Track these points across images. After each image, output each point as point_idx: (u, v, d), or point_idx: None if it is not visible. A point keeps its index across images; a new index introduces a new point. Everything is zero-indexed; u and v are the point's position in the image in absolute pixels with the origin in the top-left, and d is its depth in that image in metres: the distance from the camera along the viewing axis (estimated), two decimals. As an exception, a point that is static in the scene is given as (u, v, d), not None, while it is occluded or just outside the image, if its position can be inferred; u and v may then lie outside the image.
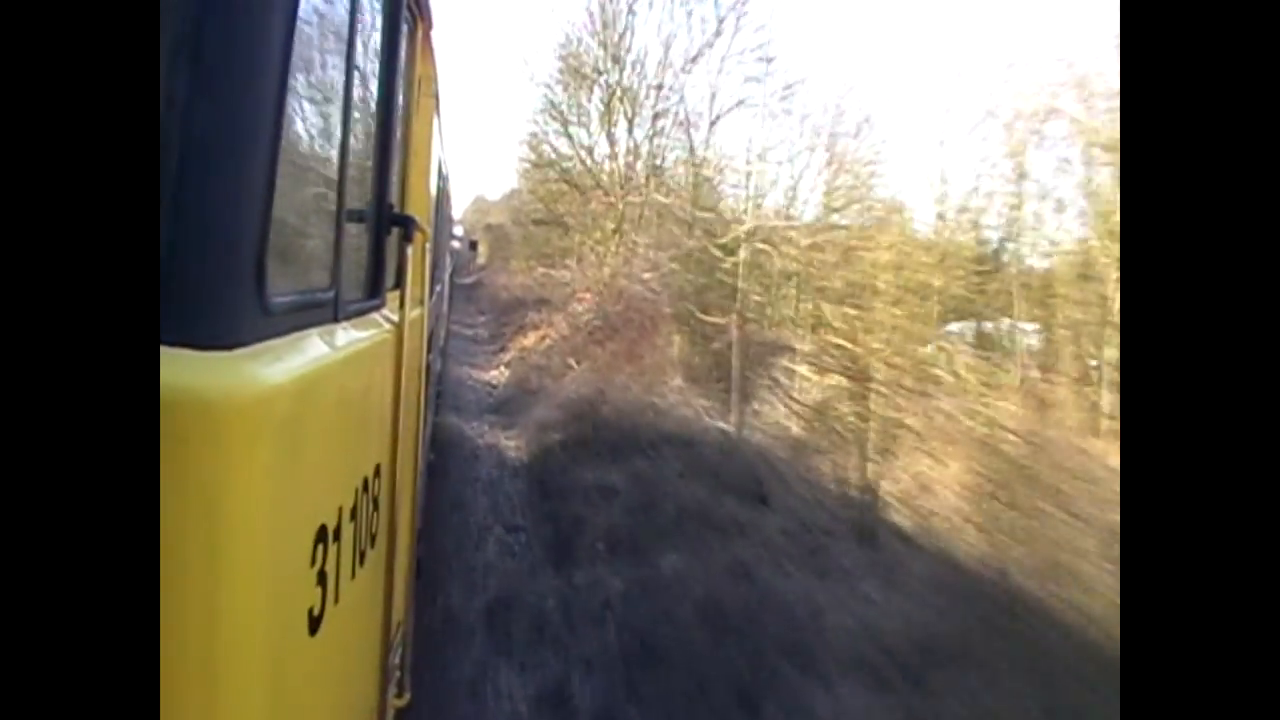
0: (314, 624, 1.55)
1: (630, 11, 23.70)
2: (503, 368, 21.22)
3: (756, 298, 19.06)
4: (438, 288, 7.31)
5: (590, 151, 26.35)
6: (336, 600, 1.69)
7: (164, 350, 1.13)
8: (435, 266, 6.12)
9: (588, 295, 21.92)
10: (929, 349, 16.19)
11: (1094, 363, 16.03)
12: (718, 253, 19.24)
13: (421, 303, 3.65)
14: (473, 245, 40.43)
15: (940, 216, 19.02)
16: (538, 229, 32.51)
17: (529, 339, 23.11)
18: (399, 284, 2.63)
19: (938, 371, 15.23)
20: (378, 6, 2.26)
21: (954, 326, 18.36)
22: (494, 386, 19.15)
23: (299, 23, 1.39)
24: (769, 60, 20.56)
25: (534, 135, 29.67)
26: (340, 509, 1.72)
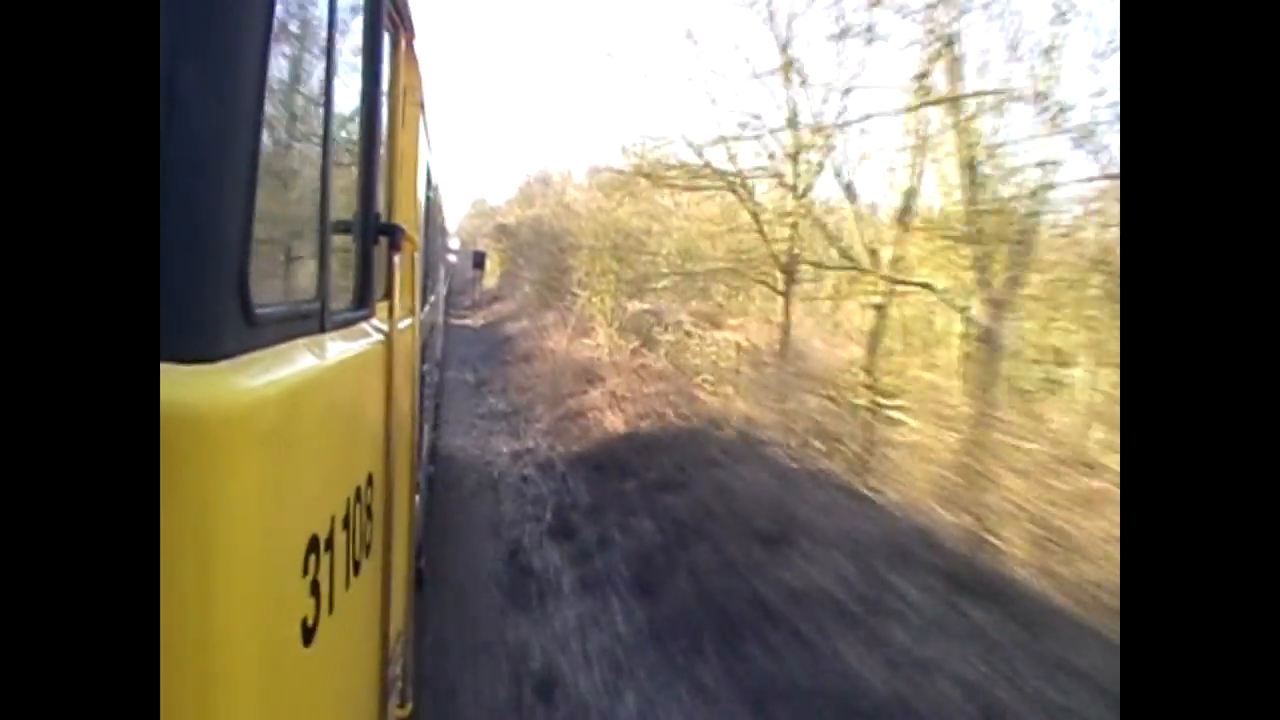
0: (308, 634, 1.54)
1: None
2: None
3: None
4: (431, 298, 7.31)
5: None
6: (331, 610, 1.69)
7: None
8: (427, 276, 6.12)
9: None
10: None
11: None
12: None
13: (413, 313, 3.65)
14: (478, 261, 32.55)
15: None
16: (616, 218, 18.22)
17: None
18: (388, 294, 2.63)
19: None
20: (357, 17, 2.26)
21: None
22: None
23: (275, 34, 1.39)
24: None
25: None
26: (332, 518, 1.72)
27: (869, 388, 11.46)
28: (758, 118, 13.40)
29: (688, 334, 15.80)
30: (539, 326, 23.43)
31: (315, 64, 1.80)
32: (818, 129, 13.03)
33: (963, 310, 11.08)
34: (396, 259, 2.63)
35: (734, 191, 14.32)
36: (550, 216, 30.42)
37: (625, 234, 19.16)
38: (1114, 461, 7.52)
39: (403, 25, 3.23)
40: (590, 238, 20.73)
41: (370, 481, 2.21)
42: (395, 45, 3.01)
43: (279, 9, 1.40)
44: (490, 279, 39.55)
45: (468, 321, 32.11)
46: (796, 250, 13.61)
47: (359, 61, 2.30)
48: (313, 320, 1.76)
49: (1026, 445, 8.69)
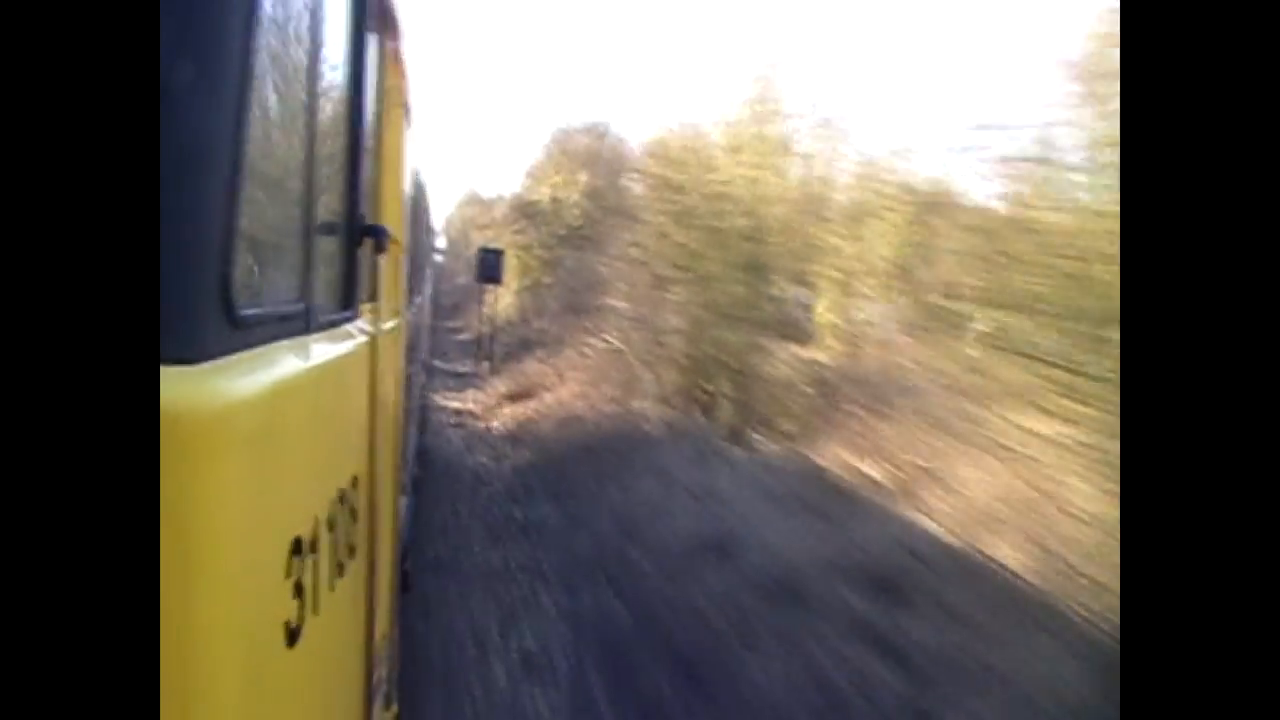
0: (292, 636, 1.54)
1: None
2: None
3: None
4: (417, 299, 7.31)
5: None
6: (315, 611, 1.69)
7: None
8: (413, 277, 6.12)
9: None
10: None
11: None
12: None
13: (398, 314, 3.65)
14: (488, 270, 18.17)
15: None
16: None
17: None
18: (373, 296, 2.63)
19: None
20: (342, 19, 2.26)
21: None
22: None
23: (260, 36, 1.39)
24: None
25: None
26: (316, 519, 1.72)
27: None
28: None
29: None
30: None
31: (300, 66, 1.80)
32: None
33: None
34: (381, 261, 2.64)
35: None
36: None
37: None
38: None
39: (388, 28, 3.23)
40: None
41: (355, 483, 2.21)
42: (381, 48, 3.01)
43: (263, 12, 1.41)
44: (504, 296, 22.39)
45: (468, 406, 15.98)
46: None
47: (344, 64, 2.30)
48: (297, 322, 1.76)
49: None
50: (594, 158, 23.66)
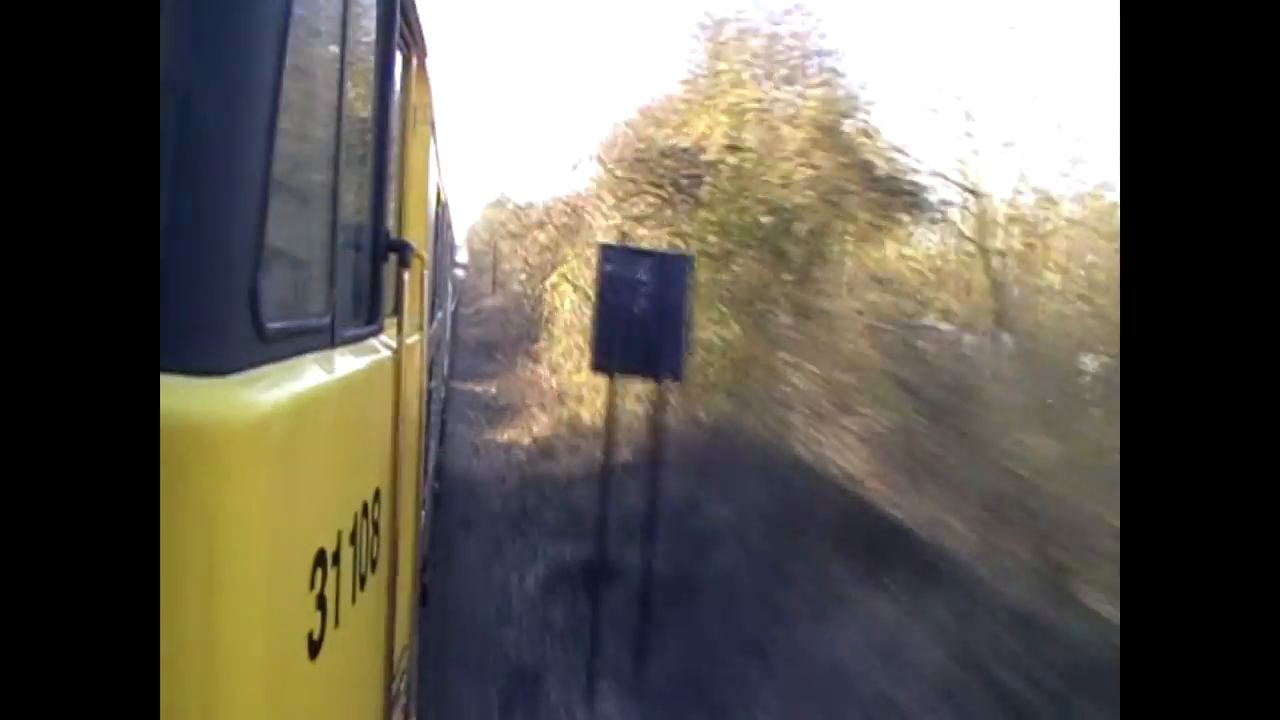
0: (314, 648, 1.55)
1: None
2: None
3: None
4: (439, 314, 7.35)
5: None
6: (337, 624, 1.70)
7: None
8: (435, 293, 6.16)
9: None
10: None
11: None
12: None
13: (421, 329, 3.67)
14: (640, 350, 5.63)
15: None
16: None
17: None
18: (397, 310, 2.64)
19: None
20: (370, 37, 2.29)
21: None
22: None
23: (289, 53, 1.41)
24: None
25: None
26: (339, 533, 1.73)
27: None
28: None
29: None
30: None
31: (328, 82, 1.82)
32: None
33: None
34: (405, 275, 2.65)
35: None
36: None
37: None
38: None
39: (415, 44, 3.27)
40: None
41: (377, 496, 2.22)
42: (407, 64, 3.05)
43: (292, 30, 1.43)
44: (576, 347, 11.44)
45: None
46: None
47: (371, 80, 2.33)
48: (322, 335, 1.78)
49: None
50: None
